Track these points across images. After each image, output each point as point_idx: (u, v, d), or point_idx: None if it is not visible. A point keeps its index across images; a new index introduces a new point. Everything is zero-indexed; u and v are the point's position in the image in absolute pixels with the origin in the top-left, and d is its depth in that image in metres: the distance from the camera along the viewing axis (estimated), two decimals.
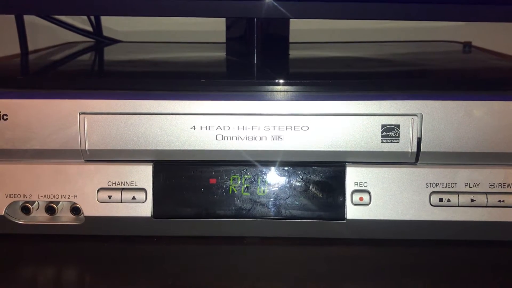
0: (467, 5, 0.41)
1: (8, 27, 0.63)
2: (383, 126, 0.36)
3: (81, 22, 0.66)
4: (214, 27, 0.60)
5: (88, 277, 0.35)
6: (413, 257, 0.36)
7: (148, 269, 0.35)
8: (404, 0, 0.40)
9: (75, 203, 0.37)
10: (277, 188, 0.37)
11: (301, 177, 0.37)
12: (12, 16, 0.62)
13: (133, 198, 0.37)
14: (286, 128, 0.36)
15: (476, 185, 0.37)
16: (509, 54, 0.63)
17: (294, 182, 0.37)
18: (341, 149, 0.36)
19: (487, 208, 0.36)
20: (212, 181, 0.37)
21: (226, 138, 0.36)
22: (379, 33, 0.66)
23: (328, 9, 0.41)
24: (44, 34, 0.66)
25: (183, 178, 0.37)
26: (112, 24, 0.67)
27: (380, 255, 0.36)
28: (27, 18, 0.63)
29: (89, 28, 0.66)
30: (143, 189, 0.37)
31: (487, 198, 0.36)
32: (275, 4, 0.39)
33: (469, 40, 0.61)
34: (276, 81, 0.39)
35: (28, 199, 0.37)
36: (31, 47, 0.63)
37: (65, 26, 0.64)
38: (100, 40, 0.65)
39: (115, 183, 0.37)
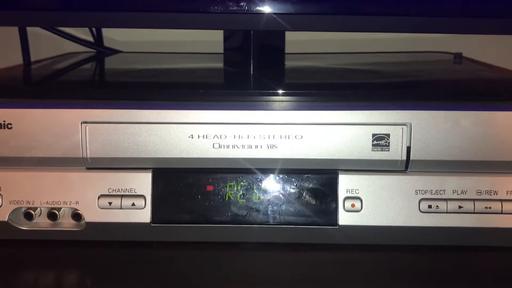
0: (458, 18, 0.41)
1: (11, 38, 0.64)
2: (374, 135, 0.37)
3: (83, 32, 0.67)
4: (212, 38, 0.61)
5: (89, 282, 0.35)
6: (403, 262, 0.37)
7: (147, 274, 0.35)
8: (397, 13, 0.41)
9: (76, 210, 0.38)
10: (272, 195, 0.38)
11: (295, 184, 0.38)
12: (15, 27, 0.63)
13: (133, 204, 0.38)
14: (281, 137, 0.37)
15: (464, 192, 0.37)
16: (498, 66, 0.64)
17: (288, 189, 0.38)
18: (333, 157, 0.37)
19: (475, 214, 0.37)
20: (209, 188, 0.38)
21: (222, 146, 0.37)
22: (371, 44, 0.67)
23: (323, 21, 0.41)
24: (46, 44, 0.67)
25: (181, 185, 0.38)
26: (113, 35, 0.68)
27: (371, 260, 0.37)
28: (30, 29, 0.64)
29: (90, 39, 0.66)
30: (142, 196, 0.38)
31: (474, 205, 0.37)
32: (273, 16, 0.40)
33: (460, 51, 0.62)
34: (272, 91, 0.40)
35: (31, 206, 0.38)
36: (33, 57, 0.64)
37: (67, 37, 0.64)
38: (101, 50, 0.66)
39: (115, 190, 0.38)
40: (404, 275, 0.36)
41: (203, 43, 0.66)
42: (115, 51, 0.66)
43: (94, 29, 0.66)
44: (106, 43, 0.67)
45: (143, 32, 0.67)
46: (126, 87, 0.44)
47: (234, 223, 0.38)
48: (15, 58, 0.64)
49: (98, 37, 0.67)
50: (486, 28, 0.44)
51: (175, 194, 0.38)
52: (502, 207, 0.37)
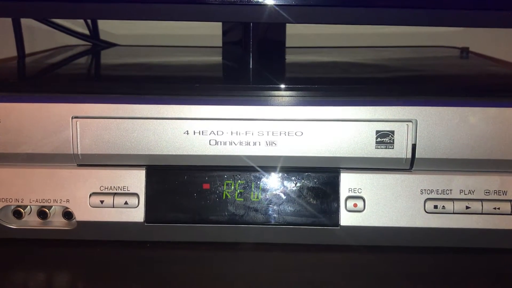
0: (465, 11, 0.41)
1: (5, 30, 0.63)
2: (377, 132, 0.36)
3: (79, 25, 0.66)
4: (210, 31, 0.60)
5: (80, 282, 0.35)
6: (407, 265, 0.36)
7: (141, 275, 0.34)
8: (402, 6, 0.40)
9: (67, 208, 0.37)
10: (270, 194, 0.37)
11: (295, 183, 0.37)
12: (9, 19, 0.62)
13: (126, 203, 0.37)
14: (280, 134, 0.36)
15: (471, 192, 0.36)
16: (506, 60, 0.63)
17: (288, 188, 0.37)
18: (335, 155, 0.36)
19: (482, 215, 0.36)
20: (206, 186, 0.37)
21: (219, 143, 0.36)
22: (376, 38, 0.66)
23: (326, 13, 0.41)
24: (42, 37, 0.66)
25: (176, 183, 0.37)
26: (109, 28, 0.67)
27: (374, 262, 0.36)
28: (24, 21, 0.63)
29: (86, 32, 0.66)
30: (136, 194, 0.37)
31: (482, 205, 0.36)
32: (275, 8, 0.39)
33: (467, 45, 0.60)
34: (271, 86, 0.39)
35: (20, 204, 0.37)
36: (28, 50, 0.63)
37: (62, 30, 0.64)
38: (97, 43, 0.65)
39: (107, 188, 0.37)
40: (408, 277, 0.35)
41: (201, 37, 0.65)
42: (111, 44, 0.66)
43: (90, 22, 0.65)
44: (102, 36, 0.67)
45: (140, 25, 0.66)
46: (119, 81, 0.43)
47: (232, 223, 0.37)
48: (9, 51, 0.63)
49: (94, 30, 0.66)
50: (494, 21, 0.43)
51: (170, 192, 0.37)
52: (511, 208, 0.36)
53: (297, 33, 0.61)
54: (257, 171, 0.37)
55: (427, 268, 0.36)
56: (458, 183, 0.36)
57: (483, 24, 0.47)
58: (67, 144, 0.36)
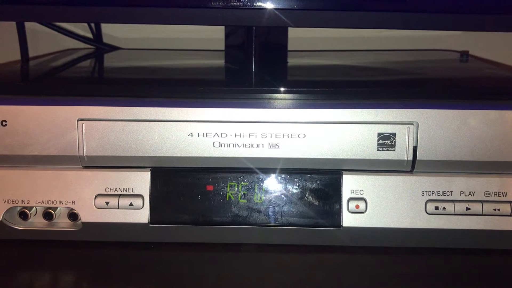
0: (465, 15, 0.41)
1: (9, 34, 0.63)
2: (379, 134, 0.36)
3: (82, 28, 0.66)
4: (213, 35, 0.60)
5: (85, 283, 0.35)
6: (409, 265, 0.36)
7: (145, 276, 0.35)
8: (402, 9, 0.41)
9: (72, 209, 0.37)
10: (273, 196, 0.37)
11: (297, 184, 0.37)
12: (13, 23, 0.62)
13: (131, 204, 0.37)
14: (283, 136, 0.36)
15: (472, 194, 0.37)
16: (506, 64, 0.63)
17: (290, 190, 0.37)
18: (337, 157, 0.36)
19: (483, 216, 0.36)
20: (209, 188, 0.37)
21: (223, 145, 0.36)
22: (376, 41, 0.66)
23: (327, 18, 0.41)
24: (45, 40, 0.67)
25: (180, 184, 0.37)
26: (112, 31, 0.67)
27: (375, 263, 0.36)
28: (28, 25, 0.63)
29: (90, 35, 0.66)
30: (141, 196, 0.37)
31: (482, 207, 0.36)
32: (276, 12, 0.40)
33: (467, 49, 0.61)
34: (274, 89, 0.39)
35: (26, 205, 0.38)
36: (31, 53, 0.64)
37: (66, 33, 0.64)
38: (100, 47, 0.65)
39: (112, 190, 0.37)
40: (409, 278, 0.35)
41: (204, 40, 0.65)
42: (114, 48, 0.66)
43: (93, 26, 0.65)
44: (106, 40, 0.67)
45: (143, 29, 0.67)
46: (124, 84, 0.43)
47: (235, 224, 0.37)
48: (13, 54, 0.63)
49: (97, 34, 0.66)
50: (493, 25, 0.44)
51: (174, 194, 0.37)
52: (511, 209, 0.36)
53: (299, 36, 0.61)
54: (260, 173, 0.37)
55: (428, 269, 0.36)
56: (458, 184, 0.37)
57: (482, 28, 0.47)
58: (73, 146, 0.36)
